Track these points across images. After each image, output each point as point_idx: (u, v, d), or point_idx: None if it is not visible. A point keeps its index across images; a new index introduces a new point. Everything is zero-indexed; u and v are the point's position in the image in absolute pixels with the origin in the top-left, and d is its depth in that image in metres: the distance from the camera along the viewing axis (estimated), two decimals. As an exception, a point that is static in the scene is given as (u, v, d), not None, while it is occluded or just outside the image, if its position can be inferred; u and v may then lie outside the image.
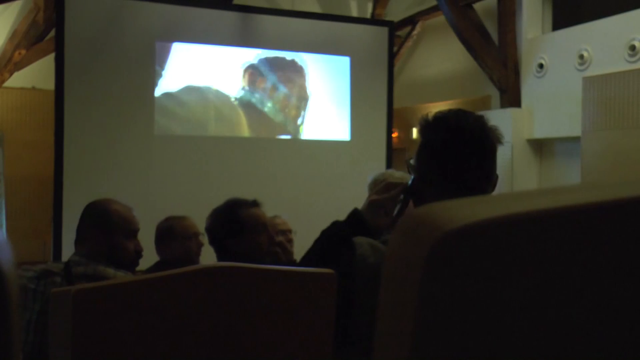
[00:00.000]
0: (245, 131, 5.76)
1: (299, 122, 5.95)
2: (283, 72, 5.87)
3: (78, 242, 1.97)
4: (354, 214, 1.36)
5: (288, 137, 5.91)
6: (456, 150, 1.24)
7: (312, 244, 1.40)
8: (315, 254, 1.32)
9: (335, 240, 1.32)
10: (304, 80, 5.96)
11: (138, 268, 2.37)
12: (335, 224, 1.37)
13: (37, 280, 1.82)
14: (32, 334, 1.78)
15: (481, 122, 1.26)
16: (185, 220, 2.88)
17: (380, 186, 1.38)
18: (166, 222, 2.88)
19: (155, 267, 2.74)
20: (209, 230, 2.19)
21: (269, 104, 5.83)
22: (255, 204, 2.17)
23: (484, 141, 1.24)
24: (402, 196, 1.34)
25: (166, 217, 2.93)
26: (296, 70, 5.93)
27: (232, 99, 5.68)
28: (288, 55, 5.89)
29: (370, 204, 1.35)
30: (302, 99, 5.95)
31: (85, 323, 0.90)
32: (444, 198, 0.87)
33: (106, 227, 1.94)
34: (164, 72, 5.42)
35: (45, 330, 1.76)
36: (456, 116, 1.27)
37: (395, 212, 1.37)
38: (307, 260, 1.33)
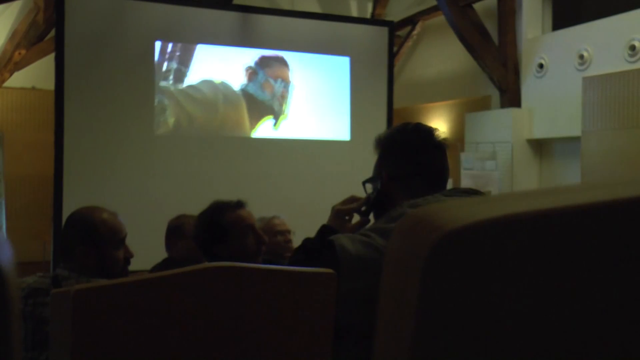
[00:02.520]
0: (243, 126, 5.77)
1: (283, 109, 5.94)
2: (270, 67, 5.87)
3: (65, 256, 1.89)
4: (324, 227, 1.49)
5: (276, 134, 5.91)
6: (420, 146, 1.47)
7: (290, 259, 1.47)
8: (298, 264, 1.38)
9: (312, 247, 1.39)
10: (288, 72, 5.96)
11: (143, 267, 2.34)
12: (308, 240, 1.46)
13: (25, 300, 1.74)
14: (30, 352, 1.70)
15: (429, 127, 1.52)
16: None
17: (345, 198, 1.56)
18: (177, 220, 2.87)
19: (162, 265, 2.73)
20: (195, 237, 2.13)
21: (263, 96, 5.84)
22: (239, 205, 2.10)
23: (435, 139, 1.49)
24: (363, 207, 1.53)
25: (178, 215, 2.92)
26: (281, 63, 5.93)
27: (231, 94, 5.68)
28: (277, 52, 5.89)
29: (337, 214, 1.51)
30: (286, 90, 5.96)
31: (85, 323, 0.90)
32: (413, 189, 1.28)
33: (94, 241, 1.86)
34: (163, 71, 5.42)
35: (42, 347, 1.71)
36: (413, 124, 1.54)
37: (360, 220, 1.54)
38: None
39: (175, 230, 2.83)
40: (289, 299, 1.03)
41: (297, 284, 1.05)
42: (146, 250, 3.37)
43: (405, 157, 1.48)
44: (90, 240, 1.86)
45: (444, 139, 1.50)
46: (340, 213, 1.51)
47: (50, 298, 1.04)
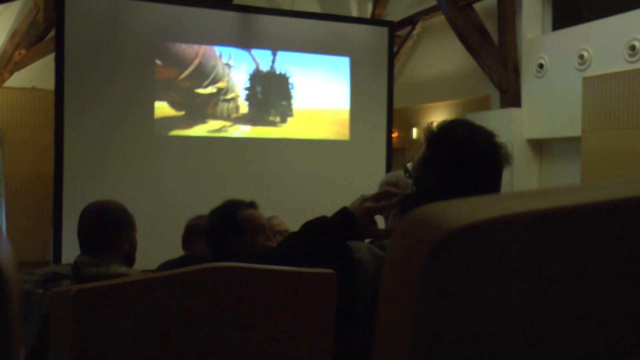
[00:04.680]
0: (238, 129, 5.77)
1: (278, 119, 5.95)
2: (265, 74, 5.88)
3: (102, 245, 1.92)
4: (346, 215, 1.29)
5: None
6: (464, 172, 1.18)
7: (295, 234, 1.32)
8: (304, 249, 1.26)
9: (327, 240, 1.26)
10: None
11: (143, 267, 2.38)
12: (324, 220, 1.30)
13: (44, 285, 1.76)
14: (42, 338, 1.73)
15: (493, 142, 1.21)
16: None
17: (378, 192, 1.32)
18: (198, 220, 2.95)
19: (180, 262, 2.79)
20: (207, 231, 2.19)
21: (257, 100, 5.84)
22: (252, 204, 2.17)
23: (496, 164, 1.20)
24: (399, 208, 1.29)
25: (198, 215, 3.00)
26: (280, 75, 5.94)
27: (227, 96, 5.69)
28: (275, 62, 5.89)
29: (366, 212, 1.28)
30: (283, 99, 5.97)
31: (85, 323, 0.90)
32: None
33: (132, 226, 2.02)
34: (163, 72, 5.43)
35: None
36: (469, 135, 1.20)
37: (390, 224, 1.34)
38: (291, 250, 1.26)
39: (197, 230, 2.91)
40: (289, 299, 1.03)
41: (297, 284, 1.05)
42: (145, 250, 3.37)
43: (442, 178, 1.21)
44: (130, 226, 2.01)
45: (505, 159, 1.21)
46: (371, 212, 1.28)
47: (50, 297, 1.04)
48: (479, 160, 1.19)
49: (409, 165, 1.31)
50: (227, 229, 2.08)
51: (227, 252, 2.06)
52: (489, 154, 1.20)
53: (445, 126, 1.24)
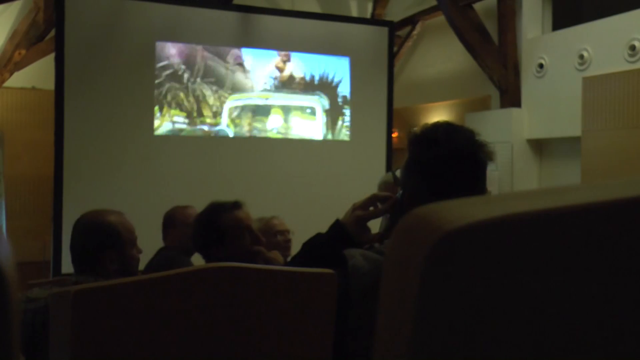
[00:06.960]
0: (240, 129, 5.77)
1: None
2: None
3: (85, 265, 1.85)
4: (337, 227, 1.33)
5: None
6: (446, 171, 1.21)
7: (295, 255, 1.37)
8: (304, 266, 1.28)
9: (323, 254, 1.29)
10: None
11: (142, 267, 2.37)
12: (319, 237, 1.34)
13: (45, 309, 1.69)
14: None
15: (472, 140, 1.23)
16: (188, 209, 2.99)
17: (365, 199, 1.34)
18: (170, 211, 3.03)
19: (157, 253, 2.86)
20: (193, 239, 2.12)
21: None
22: (236, 206, 2.06)
23: (475, 160, 1.22)
24: (388, 214, 1.32)
25: (172, 207, 3.07)
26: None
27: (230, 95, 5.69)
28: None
29: (357, 220, 1.31)
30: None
31: (85, 323, 0.90)
32: None
33: (117, 244, 1.87)
34: (163, 72, 5.42)
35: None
36: (446, 134, 1.23)
37: (384, 227, 1.37)
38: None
39: (169, 220, 2.99)
40: (289, 299, 1.03)
41: (297, 284, 1.05)
42: (146, 250, 3.37)
43: (424, 179, 1.24)
44: (114, 243, 1.86)
45: (487, 155, 1.24)
46: (362, 220, 1.32)
47: (50, 298, 1.04)
48: (459, 159, 1.21)
49: (397, 172, 1.34)
50: (210, 238, 1.99)
51: (214, 260, 1.97)
52: (468, 153, 1.22)
53: (425, 129, 1.27)
